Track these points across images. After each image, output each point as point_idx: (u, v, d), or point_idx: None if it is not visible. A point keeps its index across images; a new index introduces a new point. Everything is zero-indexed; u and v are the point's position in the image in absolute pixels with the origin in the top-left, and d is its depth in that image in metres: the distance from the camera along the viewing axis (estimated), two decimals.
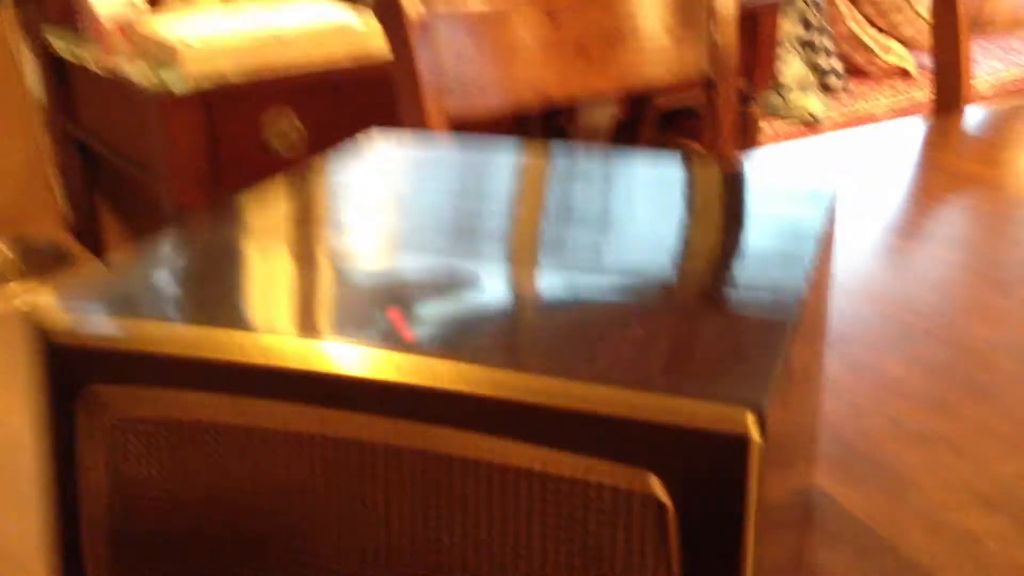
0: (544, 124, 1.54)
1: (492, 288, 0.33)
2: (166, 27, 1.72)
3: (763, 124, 2.62)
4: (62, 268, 1.91)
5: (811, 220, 0.40)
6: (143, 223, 2.06)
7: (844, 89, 3.16)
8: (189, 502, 0.31)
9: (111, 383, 0.31)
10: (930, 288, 0.73)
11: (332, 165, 0.47)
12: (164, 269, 0.35)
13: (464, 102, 1.05)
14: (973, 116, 1.17)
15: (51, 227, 2.08)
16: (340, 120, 1.74)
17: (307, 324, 0.31)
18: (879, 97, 3.15)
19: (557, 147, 0.51)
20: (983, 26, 1.35)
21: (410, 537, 0.29)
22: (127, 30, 1.76)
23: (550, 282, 0.34)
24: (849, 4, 3.27)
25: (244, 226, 0.39)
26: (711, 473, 0.26)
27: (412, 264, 0.35)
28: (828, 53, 3.15)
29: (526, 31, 1.08)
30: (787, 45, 3.02)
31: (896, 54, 3.30)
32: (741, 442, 0.25)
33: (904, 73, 3.29)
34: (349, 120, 1.75)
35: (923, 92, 3.11)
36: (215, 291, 0.33)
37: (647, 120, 1.26)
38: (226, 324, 0.30)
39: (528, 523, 0.28)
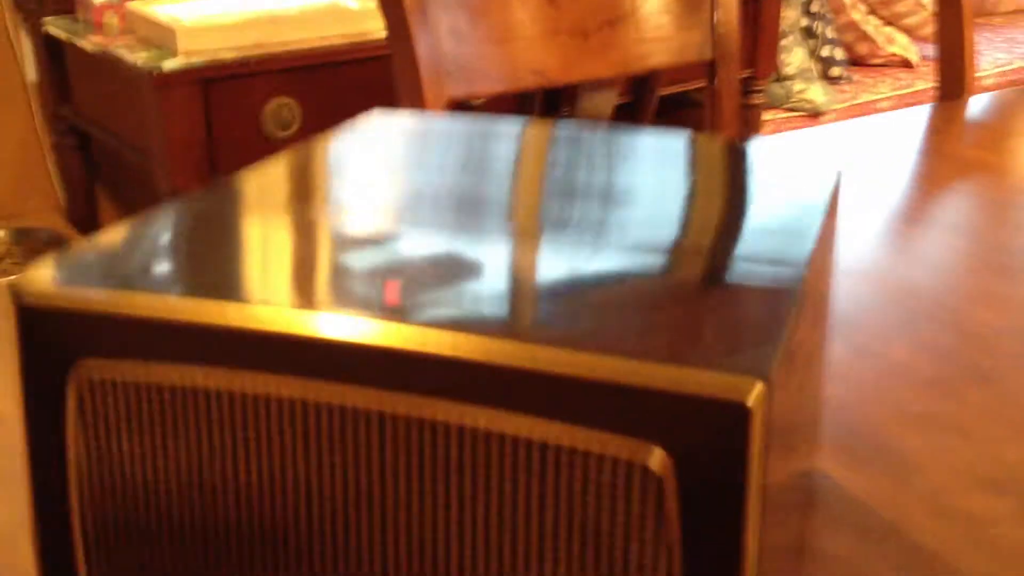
0: (545, 111, 1.53)
1: (493, 259, 0.33)
2: (161, 8, 1.71)
3: (765, 114, 2.61)
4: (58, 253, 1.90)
5: (816, 195, 0.40)
6: (140, 208, 2.05)
7: (847, 79, 3.15)
8: (178, 474, 0.31)
9: (100, 356, 0.30)
10: (934, 273, 0.73)
11: (331, 140, 0.46)
12: (153, 241, 0.34)
13: (463, 85, 1.04)
14: (977, 103, 1.16)
15: (47, 212, 2.07)
16: (338, 103, 1.73)
17: (304, 293, 0.30)
18: (882, 88, 3.14)
19: (561, 123, 0.50)
20: (987, 16, 1.34)
21: (405, 508, 0.28)
22: (122, 11, 1.75)
23: (552, 254, 0.33)
24: None
25: (238, 199, 0.38)
26: (715, 444, 0.25)
27: (411, 235, 0.35)
28: (831, 43, 3.14)
29: (525, 13, 1.07)
30: (790, 35, 3.01)
31: (899, 44, 3.29)
32: (745, 411, 0.25)
33: (907, 63, 3.28)
34: (347, 103, 1.73)
35: (926, 83, 3.10)
36: (206, 262, 0.32)
37: (648, 108, 1.25)
38: (217, 295, 0.30)
39: (527, 495, 0.27)
